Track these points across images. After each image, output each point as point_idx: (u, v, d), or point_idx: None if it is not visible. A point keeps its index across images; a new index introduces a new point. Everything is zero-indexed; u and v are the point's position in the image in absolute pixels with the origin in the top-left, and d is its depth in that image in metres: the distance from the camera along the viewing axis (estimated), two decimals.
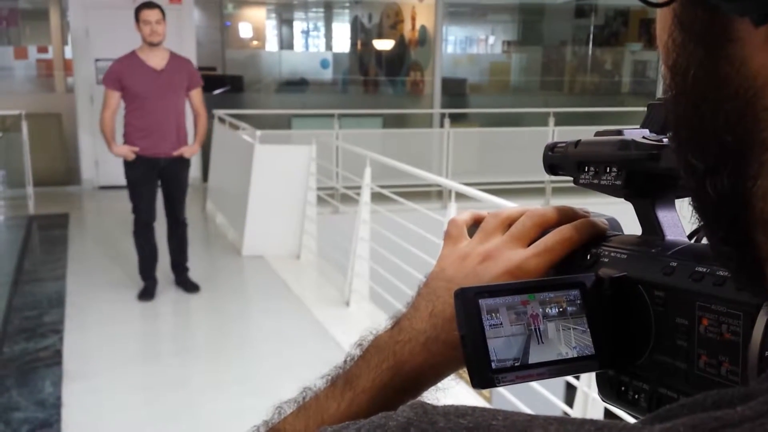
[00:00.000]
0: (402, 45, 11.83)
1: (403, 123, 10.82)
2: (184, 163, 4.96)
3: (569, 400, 3.30)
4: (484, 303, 0.48)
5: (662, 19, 0.34)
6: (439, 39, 10.54)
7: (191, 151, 4.95)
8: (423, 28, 11.21)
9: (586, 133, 0.60)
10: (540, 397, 3.09)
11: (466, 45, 14.22)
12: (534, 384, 3.04)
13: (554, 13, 13.61)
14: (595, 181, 0.56)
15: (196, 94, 4.93)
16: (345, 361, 0.60)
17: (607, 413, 2.76)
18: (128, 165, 4.83)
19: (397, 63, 12.02)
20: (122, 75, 4.70)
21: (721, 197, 0.32)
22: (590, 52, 13.50)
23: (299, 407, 0.59)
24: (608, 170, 0.54)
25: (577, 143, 0.58)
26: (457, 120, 9.78)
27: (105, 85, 4.76)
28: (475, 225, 0.62)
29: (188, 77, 4.89)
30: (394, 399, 0.56)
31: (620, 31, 13.36)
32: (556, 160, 0.60)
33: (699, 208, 0.35)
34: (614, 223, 0.59)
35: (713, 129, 0.32)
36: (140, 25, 4.65)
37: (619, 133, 0.54)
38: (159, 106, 4.74)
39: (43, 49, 11.33)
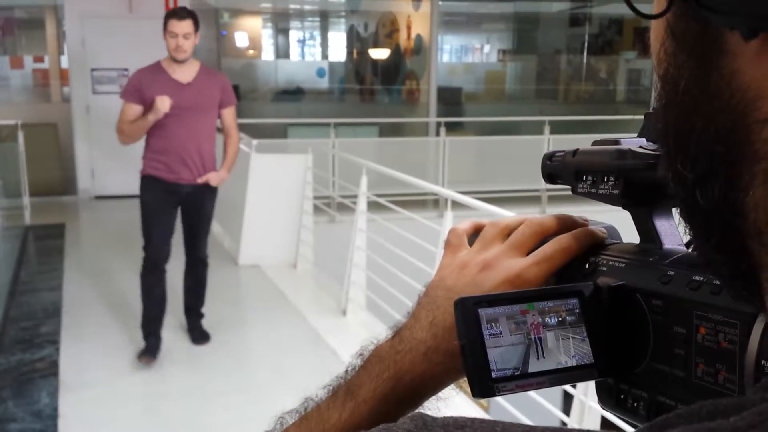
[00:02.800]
0: (397, 54, 11.85)
1: (398, 132, 10.83)
2: (210, 192, 4.30)
3: (566, 408, 3.30)
4: (484, 312, 0.48)
5: (656, 28, 0.35)
6: (434, 48, 10.56)
7: (219, 178, 4.25)
8: (418, 37, 11.23)
9: (581, 141, 0.60)
10: (537, 405, 3.08)
11: (462, 54, 14.26)
12: (532, 393, 3.04)
13: (549, 22, 13.66)
14: (593, 191, 0.56)
15: (229, 113, 4.31)
16: (346, 371, 0.59)
17: (604, 421, 2.76)
18: (145, 187, 4.20)
19: (393, 72, 12.04)
20: (142, 86, 4.05)
21: (711, 207, 0.32)
22: (585, 60, 13.55)
23: (301, 417, 0.59)
24: (606, 179, 0.55)
25: (575, 152, 0.58)
26: (452, 129, 9.80)
27: (122, 97, 4.13)
28: (475, 234, 0.61)
29: (221, 93, 4.24)
30: (395, 409, 0.56)
31: (614, 39, 13.41)
32: (554, 170, 0.60)
33: (688, 216, 0.35)
34: (613, 232, 0.59)
35: (705, 140, 0.32)
36: (166, 36, 4.02)
37: (617, 142, 0.54)
38: (183, 125, 4.08)
39: (39, 59, 11.33)
